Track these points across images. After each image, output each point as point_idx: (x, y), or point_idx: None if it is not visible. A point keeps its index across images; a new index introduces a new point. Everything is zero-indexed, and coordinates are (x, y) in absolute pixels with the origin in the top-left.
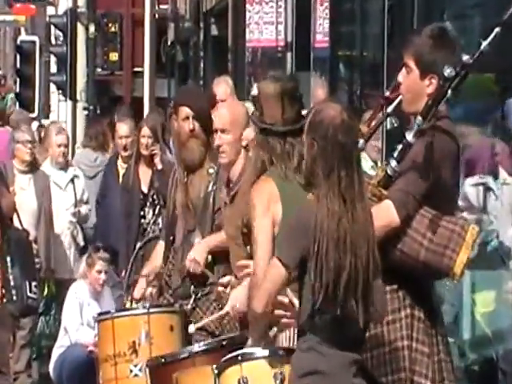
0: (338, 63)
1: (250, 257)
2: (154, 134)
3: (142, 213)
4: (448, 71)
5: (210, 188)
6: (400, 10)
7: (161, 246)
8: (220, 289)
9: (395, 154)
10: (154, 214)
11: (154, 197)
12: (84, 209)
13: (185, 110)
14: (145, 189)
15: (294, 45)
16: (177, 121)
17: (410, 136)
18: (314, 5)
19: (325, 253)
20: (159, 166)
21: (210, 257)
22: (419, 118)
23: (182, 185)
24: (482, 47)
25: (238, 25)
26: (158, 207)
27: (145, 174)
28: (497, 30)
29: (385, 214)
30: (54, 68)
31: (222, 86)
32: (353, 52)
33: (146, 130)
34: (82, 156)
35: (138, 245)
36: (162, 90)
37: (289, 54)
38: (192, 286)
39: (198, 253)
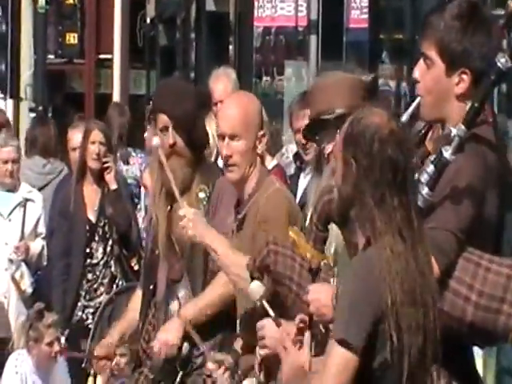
0: (381, 50)
1: (266, 313)
2: (107, 140)
3: (87, 250)
4: (503, 61)
5: None
6: None
7: (138, 296)
8: (210, 366)
9: (425, 178)
10: (105, 252)
11: (106, 228)
12: (36, 244)
13: (163, 119)
14: (92, 217)
15: (321, 24)
16: (154, 132)
17: (448, 153)
18: None
19: (399, 306)
20: (113, 186)
21: (186, 346)
22: (461, 127)
23: (163, 216)
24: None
25: None
26: (110, 242)
27: (92, 195)
28: None
29: None
30: None
31: (222, 82)
32: (400, 35)
33: (97, 135)
34: (25, 163)
35: (102, 299)
36: (139, 86)
37: (313, 38)
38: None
39: (171, 332)
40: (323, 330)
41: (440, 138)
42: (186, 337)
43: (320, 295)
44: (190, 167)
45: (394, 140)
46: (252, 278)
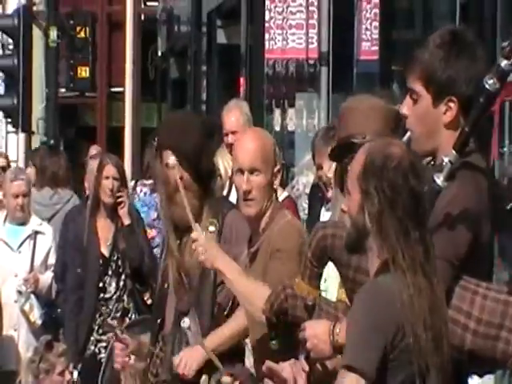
0: (392, 81)
1: (282, 350)
2: (121, 174)
3: (100, 284)
4: (490, 82)
5: None
6: (477, 8)
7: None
8: (225, 381)
9: None
10: (117, 287)
11: (119, 263)
12: (46, 276)
13: (169, 155)
14: (105, 251)
15: (331, 57)
16: (161, 166)
17: (440, 179)
18: (357, 2)
19: (417, 341)
20: (126, 221)
21: (205, 379)
22: (452, 152)
23: (173, 249)
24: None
25: (255, 29)
26: (123, 277)
27: (105, 230)
28: None
29: None
30: (0, 88)
31: (234, 114)
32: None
33: (110, 169)
34: (34, 196)
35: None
36: (150, 118)
37: (324, 70)
38: None
39: (194, 358)
40: (320, 368)
41: (433, 168)
42: (204, 370)
43: (317, 331)
44: (198, 200)
45: (414, 171)
46: (268, 321)
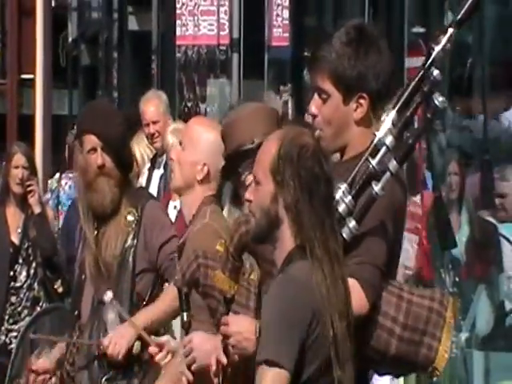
0: (303, 67)
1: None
2: (30, 163)
3: (11, 273)
4: (440, 100)
5: (128, 242)
6: None
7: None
8: (152, 350)
9: (344, 209)
10: (28, 275)
11: (29, 251)
12: None
13: (91, 139)
14: (16, 240)
15: (243, 43)
16: (82, 153)
17: (378, 188)
18: None
19: (335, 330)
20: (37, 209)
21: (137, 344)
22: (393, 162)
23: (90, 239)
24: (434, 53)
25: (166, 15)
26: (33, 265)
27: (16, 218)
28: (451, 31)
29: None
30: None
31: (154, 104)
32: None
33: (20, 158)
34: None
35: (25, 322)
36: (61, 105)
37: (235, 56)
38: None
39: (124, 337)
40: (241, 367)
41: (341, 163)
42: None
43: (241, 328)
44: (119, 188)
45: (326, 159)
46: (180, 293)
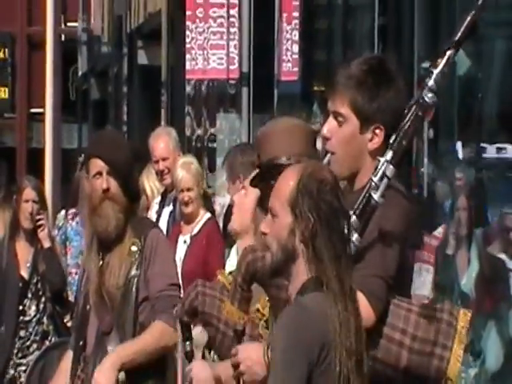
0: (312, 102)
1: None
2: (40, 197)
3: (20, 307)
4: (430, 96)
5: (132, 272)
6: (396, 30)
7: (69, 356)
8: None
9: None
10: (37, 309)
11: (39, 285)
12: None
13: (97, 163)
14: (25, 274)
15: (252, 77)
16: (88, 178)
17: (377, 195)
18: (278, 23)
19: (343, 365)
20: (46, 244)
21: (122, 374)
22: (390, 167)
23: (94, 267)
24: (433, 76)
25: (176, 50)
26: (43, 299)
27: (25, 253)
28: (449, 53)
29: None
30: None
31: (163, 140)
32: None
33: (30, 193)
34: None
35: (34, 356)
36: (71, 139)
37: (244, 90)
38: None
39: (104, 373)
40: None
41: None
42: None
43: (250, 353)
44: (124, 215)
45: (343, 194)
46: (181, 322)
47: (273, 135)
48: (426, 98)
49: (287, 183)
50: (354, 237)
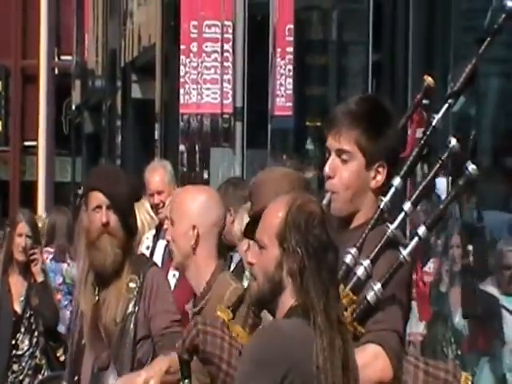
0: (306, 137)
1: None
2: (34, 232)
3: (13, 341)
4: (473, 168)
5: (130, 309)
6: (389, 65)
7: None
8: None
9: (363, 273)
10: (30, 344)
11: (31, 319)
12: None
13: (97, 197)
14: (18, 308)
15: (246, 112)
16: (86, 211)
17: (406, 252)
18: (272, 59)
19: None
20: (39, 278)
21: None
22: (422, 228)
23: (89, 302)
24: (434, 122)
25: (169, 83)
26: (36, 333)
27: (18, 287)
28: (450, 101)
29: (375, 364)
30: None
31: (159, 174)
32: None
33: (23, 227)
34: None
35: None
36: (64, 173)
37: (238, 125)
38: None
39: None
40: None
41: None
42: None
43: None
44: (122, 250)
45: (331, 227)
46: (180, 359)
47: (265, 185)
48: (469, 169)
49: (276, 215)
50: (377, 287)
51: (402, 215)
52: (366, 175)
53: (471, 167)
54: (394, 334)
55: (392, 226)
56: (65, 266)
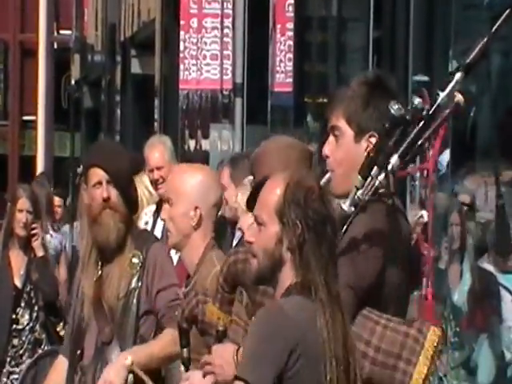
0: (305, 113)
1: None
2: (34, 207)
3: (13, 315)
4: (395, 108)
5: (132, 284)
6: (390, 42)
7: (61, 362)
8: None
9: None
10: (30, 318)
11: (32, 294)
12: None
13: (97, 173)
14: (18, 282)
15: (246, 88)
16: (86, 189)
17: (346, 204)
18: (272, 35)
19: (332, 373)
20: (40, 253)
21: (131, 377)
22: (359, 178)
23: (93, 278)
24: (439, 99)
25: (169, 59)
26: (36, 308)
27: (18, 261)
28: (457, 76)
29: None
30: None
31: (158, 150)
32: (325, 98)
33: (24, 202)
34: None
35: (26, 363)
36: (63, 147)
37: (238, 101)
38: None
39: (115, 371)
40: None
41: None
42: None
43: (223, 353)
44: (124, 225)
45: (330, 202)
46: (179, 328)
47: (267, 155)
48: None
49: (273, 192)
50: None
51: (353, 190)
52: (357, 148)
53: (394, 106)
54: (346, 289)
55: (344, 206)
56: (48, 236)
